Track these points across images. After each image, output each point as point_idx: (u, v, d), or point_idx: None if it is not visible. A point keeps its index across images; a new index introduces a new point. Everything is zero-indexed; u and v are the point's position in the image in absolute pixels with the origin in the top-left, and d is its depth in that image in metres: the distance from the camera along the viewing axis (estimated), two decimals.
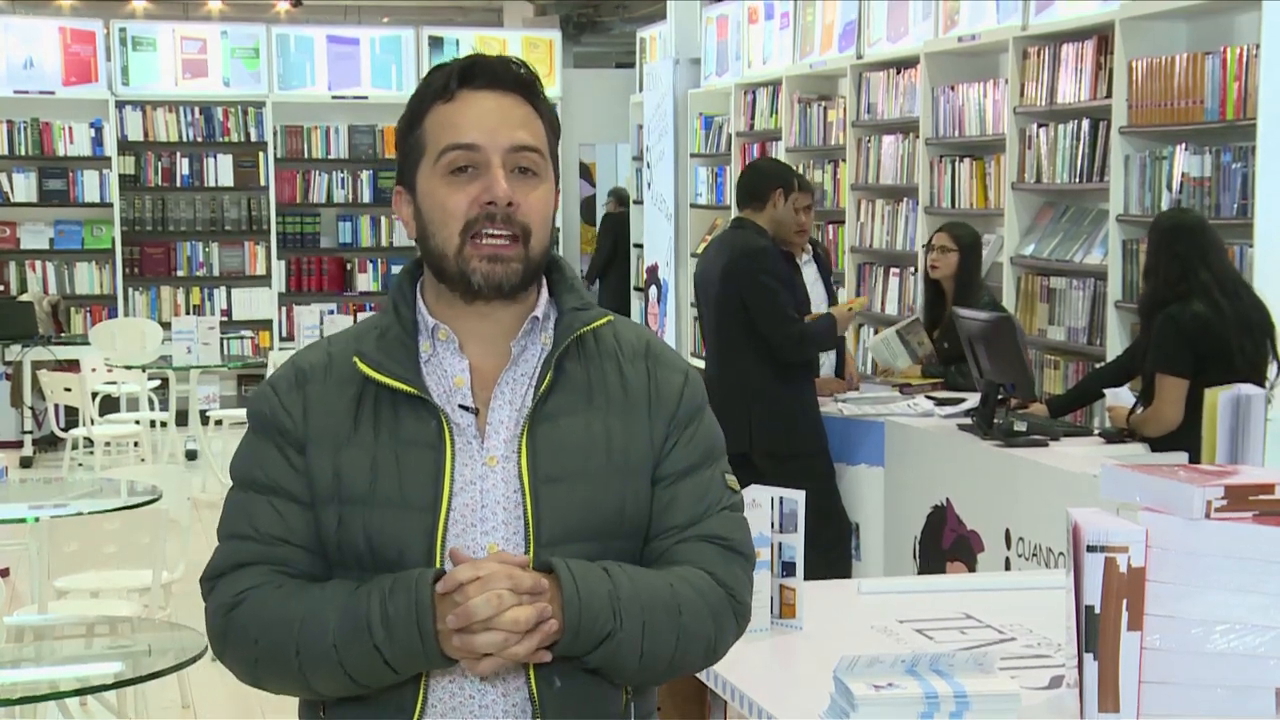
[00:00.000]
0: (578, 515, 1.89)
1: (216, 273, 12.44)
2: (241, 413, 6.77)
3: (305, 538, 1.93)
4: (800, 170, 7.87)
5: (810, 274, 6.43)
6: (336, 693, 1.90)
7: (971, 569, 5.20)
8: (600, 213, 14.14)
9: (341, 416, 1.93)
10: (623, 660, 1.87)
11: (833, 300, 6.61)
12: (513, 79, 1.96)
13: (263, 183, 12.41)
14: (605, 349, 1.98)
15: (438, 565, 1.87)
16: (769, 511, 2.66)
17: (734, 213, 6.28)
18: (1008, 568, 4.98)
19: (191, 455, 9.96)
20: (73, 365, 9.94)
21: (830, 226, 8.94)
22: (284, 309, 12.45)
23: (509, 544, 1.89)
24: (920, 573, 5.48)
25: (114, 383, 9.94)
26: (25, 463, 10.32)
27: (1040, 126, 6.70)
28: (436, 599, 1.81)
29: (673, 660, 1.91)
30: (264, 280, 12.48)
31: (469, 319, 1.96)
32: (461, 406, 1.93)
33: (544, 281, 2.01)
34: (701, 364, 6.36)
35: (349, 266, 12.76)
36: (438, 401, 1.92)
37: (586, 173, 14.12)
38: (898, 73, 8.08)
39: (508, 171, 1.91)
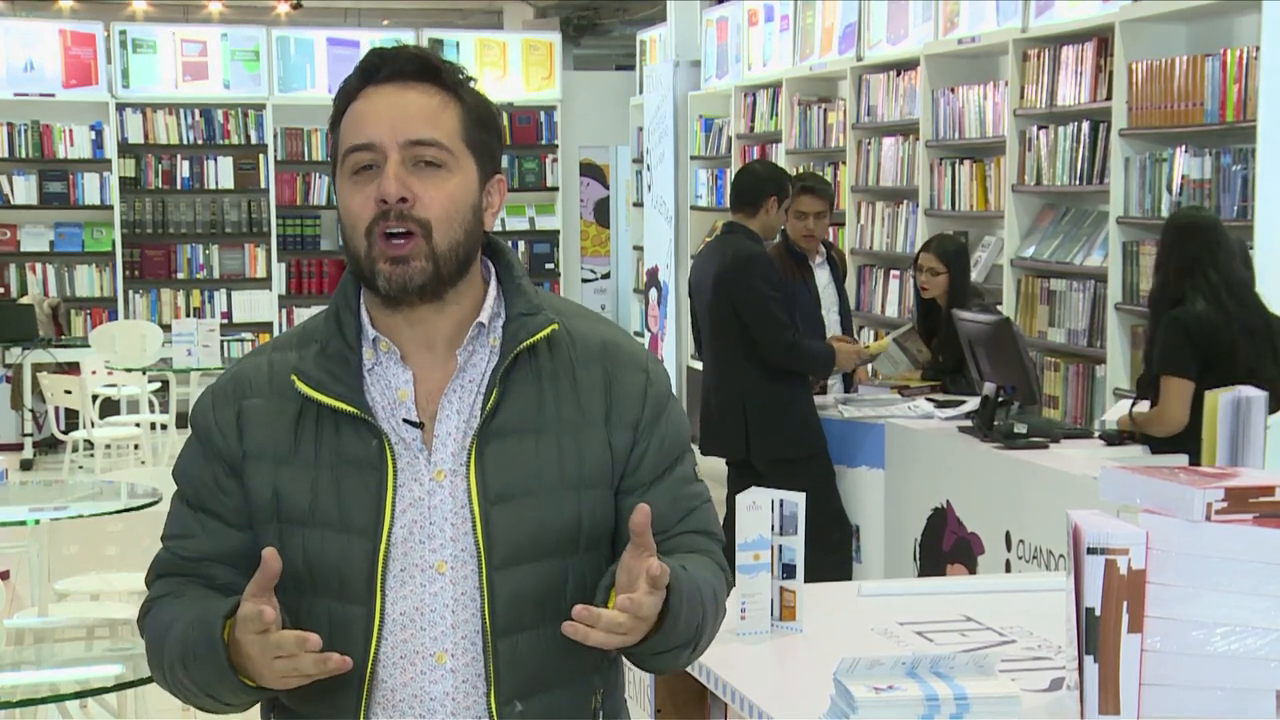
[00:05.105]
0: (529, 535, 1.84)
1: (217, 275, 12.44)
2: None
3: (228, 554, 1.91)
4: (800, 172, 7.86)
5: (824, 276, 6.43)
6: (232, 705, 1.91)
7: (972, 571, 5.20)
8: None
9: (282, 433, 1.87)
10: (660, 664, 1.92)
11: (844, 303, 6.59)
12: (416, 68, 1.85)
13: (263, 185, 12.41)
14: (559, 355, 1.90)
15: (378, 590, 1.83)
16: (769, 514, 2.65)
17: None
18: (1008, 570, 4.98)
19: None
20: (73, 368, 9.93)
21: (830, 229, 8.93)
22: (284, 311, 12.45)
23: (458, 562, 1.84)
24: (920, 575, 5.48)
25: (114, 385, 9.93)
26: (25, 465, 10.32)
27: (1040, 128, 6.70)
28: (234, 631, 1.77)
29: (686, 659, 1.94)
30: (264, 283, 12.47)
31: (401, 326, 1.88)
32: (406, 421, 1.86)
33: (492, 279, 1.93)
34: (700, 366, 6.36)
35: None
36: (380, 420, 1.86)
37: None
38: (898, 75, 8.08)
39: (409, 166, 1.82)
